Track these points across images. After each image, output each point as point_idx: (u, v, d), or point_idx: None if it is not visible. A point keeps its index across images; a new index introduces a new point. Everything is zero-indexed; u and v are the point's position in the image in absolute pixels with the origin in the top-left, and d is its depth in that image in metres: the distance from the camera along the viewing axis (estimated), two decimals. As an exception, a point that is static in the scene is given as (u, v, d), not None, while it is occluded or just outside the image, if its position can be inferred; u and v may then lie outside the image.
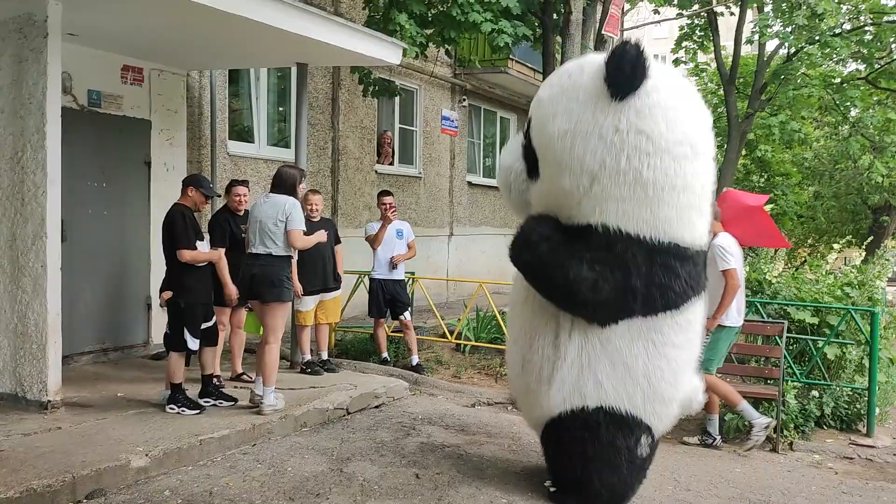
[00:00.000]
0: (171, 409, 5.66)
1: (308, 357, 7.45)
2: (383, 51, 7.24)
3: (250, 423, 5.54)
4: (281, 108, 10.16)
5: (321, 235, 6.25)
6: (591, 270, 4.15)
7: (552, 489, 4.72)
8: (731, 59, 16.21)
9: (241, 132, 9.54)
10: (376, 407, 6.67)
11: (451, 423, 6.31)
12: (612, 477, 4.42)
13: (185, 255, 5.65)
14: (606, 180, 4.07)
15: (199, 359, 5.94)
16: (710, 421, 6.12)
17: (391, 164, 12.22)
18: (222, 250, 6.47)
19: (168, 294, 5.75)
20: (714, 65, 17.26)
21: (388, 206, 7.90)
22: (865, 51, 15.16)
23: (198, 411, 5.66)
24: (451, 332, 8.88)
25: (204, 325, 5.81)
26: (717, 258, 5.77)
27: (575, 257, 4.18)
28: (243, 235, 6.61)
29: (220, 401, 5.96)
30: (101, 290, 7.38)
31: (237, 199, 6.72)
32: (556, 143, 4.18)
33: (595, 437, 4.35)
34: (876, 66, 16.15)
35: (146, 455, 4.74)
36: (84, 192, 7.15)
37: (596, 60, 4.20)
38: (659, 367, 4.30)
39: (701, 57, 17.44)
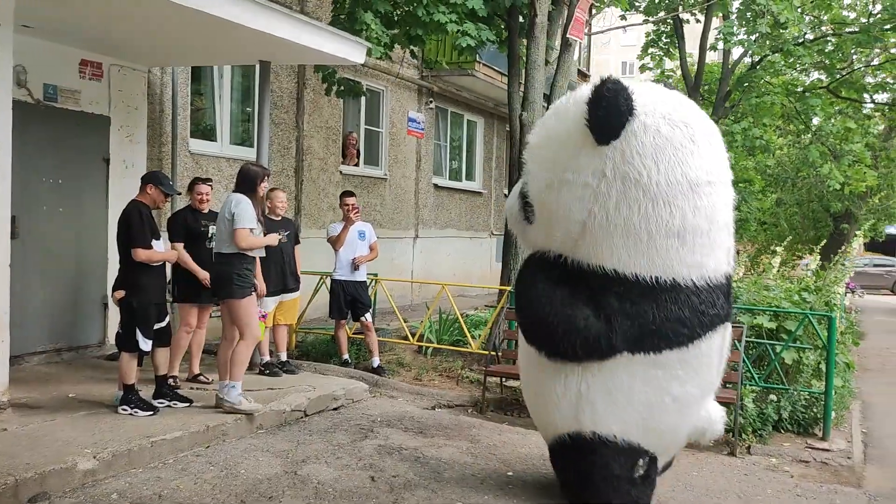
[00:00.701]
0: (123, 410, 5.53)
1: (267, 358, 7.35)
2: (347, 50, 7.18)
3: (204, 424, 5.44)
4: (245, 107, 10.04)
5: (272, 238, 6.13)
6: (576, 316, 4.08)
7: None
8: (696, 66, 16.41)
9: (204, 130, 9.41)
10: (335, 409, 6.60)
11: (409, 426, 6.26)
12: (615, 498, 4.33)
13: (140, 254, 5.53)
14: (597, 230, 3.99)
15: (152, 359, 5.81)
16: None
17: (356, 165, 12.15)
18: (180, 245, 6.42)
19: (120, 293, 5.62)
20: (679, 72, 17.46)
21: (350, 206, 7.84)
22: (827, 60, 15.44)
23: (151, 412, 5.54)
24: (414, 335, 8.83)
25: (157, 326, 5.69)
26: None
27: (561, 302, 4.13)
28: (202, 230, 6.56)
29: (175, 402, 5.84)
30: (55, 288, 7.21)
31: (199, 197, 6.65)
32: (544, 194, 4.15)
33: (590, 460, 4.31)
34: (837, 75, 16.45)
35: (94, 457, 4.62)
36: (38, 188, 6.98)
37: (583, 97, 4.01)
38: (661, 401, 4.19)
39: (667, 64, 17.63)
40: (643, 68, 17.00)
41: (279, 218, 7.31)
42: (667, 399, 4.18)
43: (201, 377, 6.75)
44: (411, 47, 9.75)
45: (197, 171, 8.94)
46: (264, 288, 6.83)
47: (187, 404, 5.84)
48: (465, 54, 9.83)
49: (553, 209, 4.11)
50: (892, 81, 17.18)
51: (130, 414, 5.50)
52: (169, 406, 5.78)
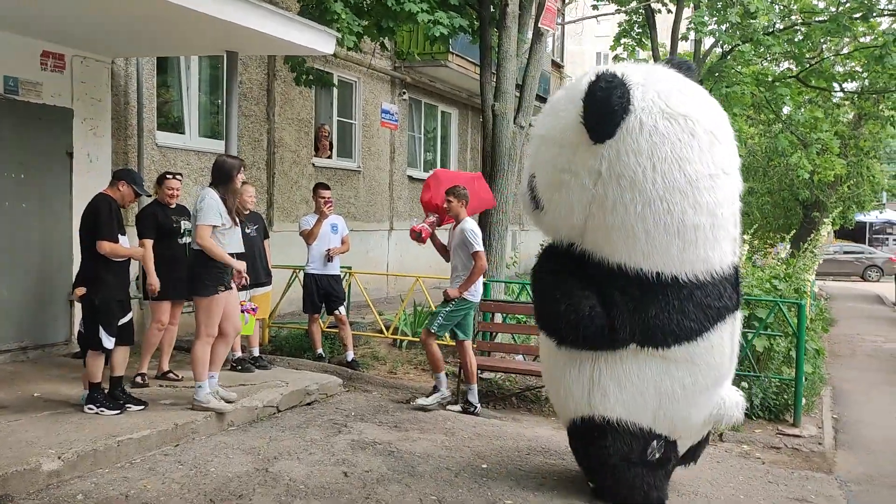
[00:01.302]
0: (89, 409, 5.41)
1: (239, 354, 7.25)
2: (316, 40, 7.07)
3: (172, 422, 5.35)
4: (214, 99, 9.88)
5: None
6: (582, 306, 4.13)
7: (591, 486, 4.72)
8: (668, 56, 16.44)
9: (172, 123, 9.25)
10: (308, 404, 6.53)
11: (384, 420, 6.21)
12: (631, 481, 4.38)
13: (105, 246, 5.38)
14: (597, 229, 4.06)
15: (111, 359, 5.58)
16: (469, 390, 6.71)
17: (329, 157, 12.03)
18: (149, 242, 6.28)
19: (81, 290, 5.47)
20: (652, 61, 17.48)
21: (325, 199, 7.74)
22: (796, 50, 15.53)
23: (118, 411, 5.42)
24: (388, 328, 8.76)
25: (120, 322, 5.53)
26: (469, 241, 6.46)
27: (569, 292, 4.19)
28: (174, 226, 6.44)
29: (129, 405, 5.60)
30: (19, 286, 7.06)
31: (170, 192, 6.50)
32: (547, 192, 4.21)
33: (603, 446, 4.34)
34: (806, 65, 16.58)
35: (59, 458, 4.52)
36: (0, 184, 6.81)
37: (579, 93, 3.95)
38: (672, 390, 4.21)
39: (640, 54, 17.64)
40: (616, 58, 16.98)
41: (248, 212, 7.20)
42: (677, 389, 4.21)
43: (171, 374, 6.65)
44: (382, 39, 9.65)
45: (164, 164, 8.80)
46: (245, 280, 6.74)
47: (142, 407, 5.62)
48: (438, 44, 9.75)
49: (555, 207, 4.18)
50: (860, 70, 17.34)
51: (97, 413, 5.37)
52: (98, 414, 5.43)
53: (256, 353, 7.44)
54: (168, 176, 6.62)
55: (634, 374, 4.21)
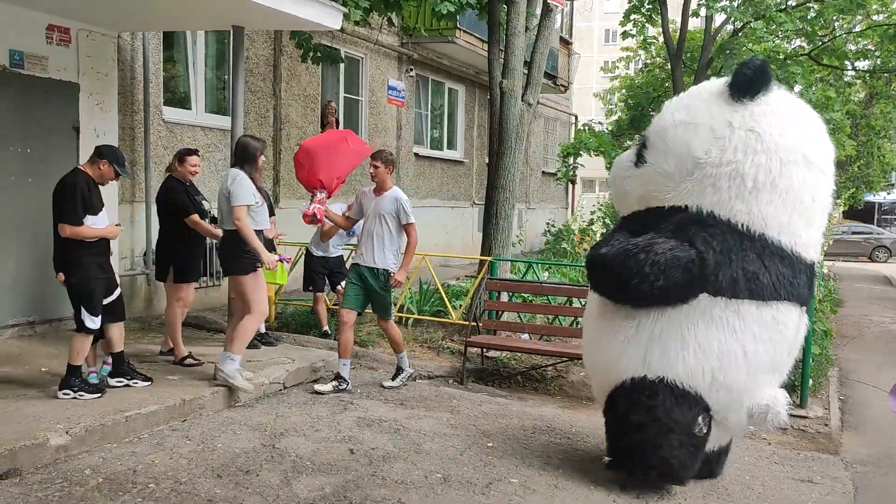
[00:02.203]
0: (64, 394, 5.14)
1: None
2: (323, 14, 7.00)
3: (180, 398, 5.36)
4: (221, 74, 9.82)
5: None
6: (664, 247, 4.15)
7: (606, 460, 4.66)
8: (678, 33, 16.26)
9: (178, 98, 9.20)
10: (314, 381, 6.54)
11: (390, 398, 6.22)
12: (666, 451, 4.28)
13: (66, 230, 5.11)
14: (709, 168, 4.20)
15: (106, 335, 5.45)
16: (402, 358, 6.60)
17: (336, 133, 11.96)
18: (196, 216, 6.24)
19: (61, 277, 5.24)
20: (662, 38, 17.31)
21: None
22: (808, 28, 15.34)
23: (98, 394, 5.20)
24: (394, 305, 8.75)
25: (106, 300, 5.32)
26: (405, 212, 6.26)
27: (649, 243, 4.21)
28: (201, 206, 6.41)
29: (136, 381, 5.56)
30: (26, 260, 7.06)
31: (193, 169, 6.41)
32: (668, 130, 4.40)
33: (652, 407, 4.26)
34: (818, 42, 16.39)
35: (66, 432, 4.54)
36: (6, 157, 6.80)
37: (726, 80, 4.46)
38: (734, 352, 4.19)
39: (649, 31, 17.45)
40: (625, 35, 16.81)
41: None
42: (739, 352, 4.18)
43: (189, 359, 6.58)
44: (389, 14, 9.56)
45: (171, 140, 8.77)
46: (273, 258, 6.72)
47: (148, 383, 5.57)
48: (446, 20, 9.63)
49: (674, 145, 4.34)
50: (873, 48, 17.13)
51: (74, 398, 5.13)
52: (128, 385, 5.52)
53: (263, 329, 7.43)
54: (189, 152, 6.51)
55: (701, 330, 4.19)
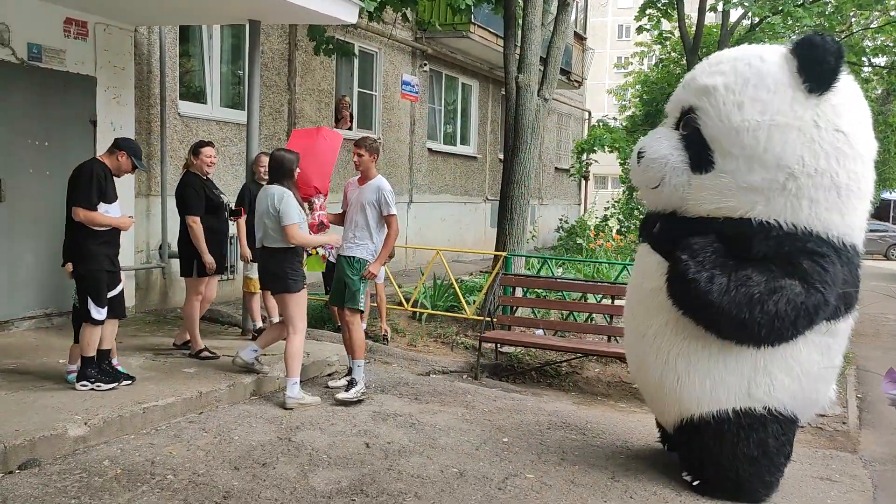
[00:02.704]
0: (82, 386, 5.15)
1: (260, 324, 7.28)
2: (339, 8, 6.99)
3: (197, 390, 5.38)
4: (236, 69, 9.84)
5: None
6: (791, 300, 3.83)
7: (695, 482, 4.39)
8: (694, 28, 16.16)
9: (194, 92, 9.22)
10: (329, 375, 6.55)
11: (404, 392, 6.22)
12: (772, 477, 4.28)
13: (80, 213, 5.09)
14: (804, 179, 3.84)
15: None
16: (357, 368, 5.92)
17: (349, 128, 11.97)
18: (198, 218, 6.21)
19: (69, 267, 5.23)
20: (678, 33, 17.21)
21: None
22: (826, 23, 15.22)
23: (114, 384, 5.22)
24: (408, 300, 8.77)
25: (110, 294, 5.27)
26: (386, 202, 5.87)
27: (772, 285, 3.84)
28: (219, 200, 6.42)
29: (99, 383, 5.28)
30: (44, 252, 7.09)
31: (208, 160, 6.40)
32: (744, 135, 3.89)
33: (763, 440, 4.14)
34: (838, 38, 16.26)
35: (85, 424, 4.56)
36: (24, 150, 6.84)
37: (772, 49, 4.06)
38: (829, 372, 4.16)
39: (665, 25, 17.37)
40: (640, 30, 16.74)
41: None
42: (831, 370, 4.15)
43: (205, 352, 6.58)
44: (404, 9, 9.54)
45: (187, 134, 8.79)
46: (249, 253, 6.82)
47: (130, 382, 5.37)
48: (461, 15, 9.61)
49: (757, 153, 3.87)
50: (891, 45, 16.97)
51: (92, 389, 5.14)
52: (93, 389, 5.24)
53: (276, 321, 7.45)
54: (203, 144, 6.50)
55: (804, 355, 4.02)
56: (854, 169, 3.89)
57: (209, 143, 6.57)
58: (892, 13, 16.95)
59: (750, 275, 3.87)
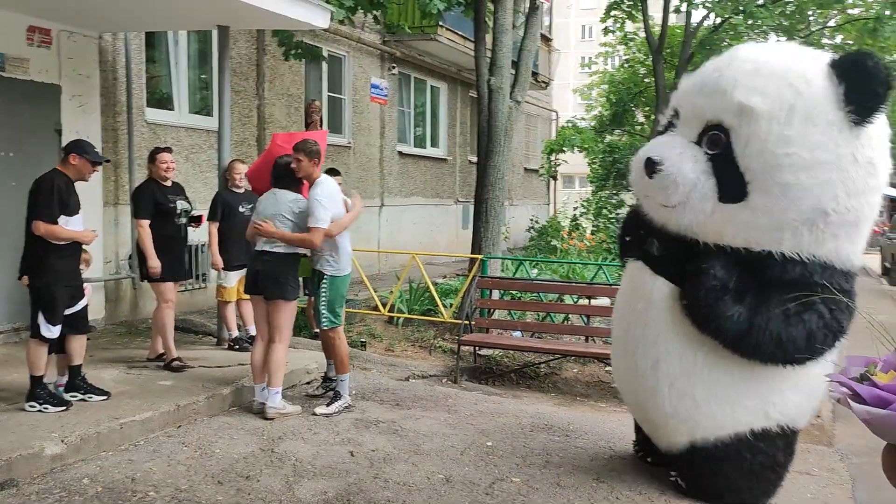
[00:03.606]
0: (31, 406, 4.94)
1: (235, 333, 7.19)
2: (310, 14, 6.93)
3: (174, 403, 5.29)
4: (202, 75, 9.71)
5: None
6: (815, 324, 3.78)
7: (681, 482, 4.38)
8: (659, 28, 16.35)
9: (161, 99, 9.08)
10: (307, 383, 6.49)
11: (385, 398, 6.18)
12: (774, 485, 4.30)
13: (40, 227, 4.90)
14: (834, 216, 3.67)
15: (66, 347, 5.22)
16: (341, 382, 5.78)
17: (320, 133, 11.88)
18: (146, 223, 6.13)
19: (25, 280, 5.06)
20: (642, 34, 17.39)
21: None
22: (787, 23, 15.48)
23: (63, 408, 5.00)
24: (384, 305, 8.73)
25: (68, 311, 5.10)
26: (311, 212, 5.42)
27: (792, 311, 3.75)
28: (171, 205, 6.31)
29: (90, 395, 5.27)
30: (10, 266, 6.83)
31: (164, 166, 6.33)
32: (786, 172, 3.61)
33: (772, 454, 4.13)
34: (797, 38, 16.55)
35: (62, 441, 4.46)
36: (-12, 161, 6.68)
37: (817, 65, 3.69)
38: (823, 384, 3.90)
39: (629, 26, 17.53)
40: (606, 31, 16.88)
41: (241, 190, 7.08)
42: (825, 380, 4.08)
43: (165, 357, 6.54)
44: (374, 13, 9.50)
45: (154, 142, 8.65)
46: (220, 261, 6.76)
47: (105, 397, 5.27)
48: (431, 18, 9.60)
49: (796, 192, 3.63)
50: (851, 43, 17.31)
51: (39, 411, 4.92)
52: (83, 400, 5.21)
53: (253, 331, 7.36)
54: (159, 150, 6.44)
55: (811, 373, 3.97)
56: (874, 201, 3.80)
57: (166, 149, 6.51)
58: (850, 11, 17.30)
59: (778, 297, 3.79)
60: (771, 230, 3.75)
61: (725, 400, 4.06)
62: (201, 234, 7.75)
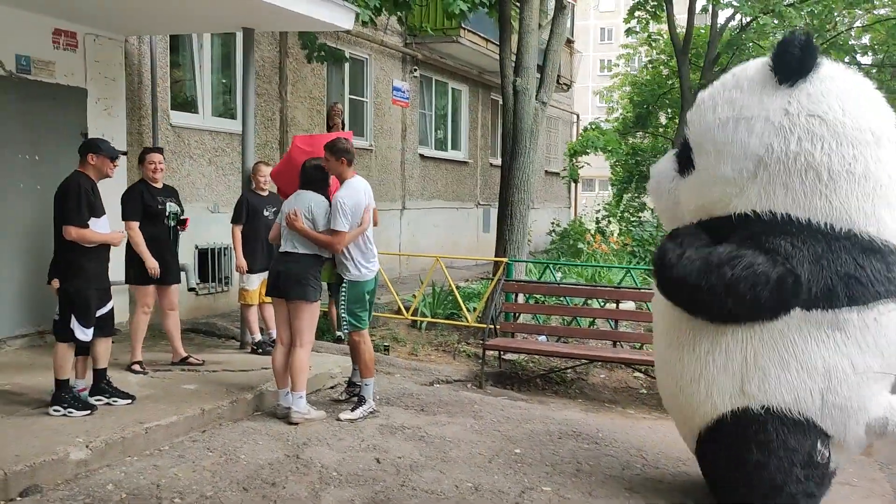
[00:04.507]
0: (55, 411, 4.90)
1: (258, 337, 7.14)
2: (335, 15, 6.88)
3: (199, 407, 5.24)
4: (225, 79, 9.70)
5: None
6: (750, 259, 3.69)
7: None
8: (684, 29, 16.17)
9: (185, 102, 9.07)
10: (331, 387, 6.42)
11: (410, 404, 6.10)
12: (793, 487, 3.81)
13: (72, 232, 4.90)
14: (774, 165, 3.80)
15: (92, 351, 5.21)
16: (365, 386, 5.73)
17: (342, 136, 11.83)
18: (135, 224, 6.06)
19: (56, 283, 5.02)
20: (667, 35, 17.20)
21: None
22: (816, 22, 15.25)
23: (88, 412, 4.96)
24: (407, 309, 8.65)
25: (99, 313, 5.10)
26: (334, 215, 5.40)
27: (734, 254, 3.74)
28: (160, 207, 6.23)
29: (115, 398, 5.24)
30: (35, 269, 6.89)
31: (152, 167, 6.24)
32: (716, 130, 3.97)
33: (765, 442, 3.78)
34: (826, 38, 16.31)
35: (86, 446, 4.41)
36: (13, 165, 6.68)
37: (760, 60, 4.09)
38: (842, 369, 3.73)
39: (653, 27, 17.37)
40: (629, 32, 16.73)
41: (266, 193, 7.04)
42: (847, 366, 3.74)
43: (191, 359, 6.52)
44: (398, 13, 9.45)
45: (179, 145, 8.65)
46: (245, 264, 6.74)
47: (129, 401, 5.25)
48: (454, 20, 9.53)
49: (726, 146, 3.91)
50: (879, 44, 17.04)
51: (64, 415, 4.89)
52: (108, 404, 5.18)
53: (276, 335, 7.31)
54: (148, 151, 6.37)
55: (800, 348, 3.75)
56: (835, 149, 3.73)
57: (156, 150, 6.47)
58: (877, 12, 17.03)
59: (715, 247, 3.86)
60: (716, 185, 3.97)
61: (701, 381, 3.95)
62: (226, 237, 7.71)
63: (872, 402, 3.83)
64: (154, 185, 6.28)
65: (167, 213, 6.28)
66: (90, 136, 5.58)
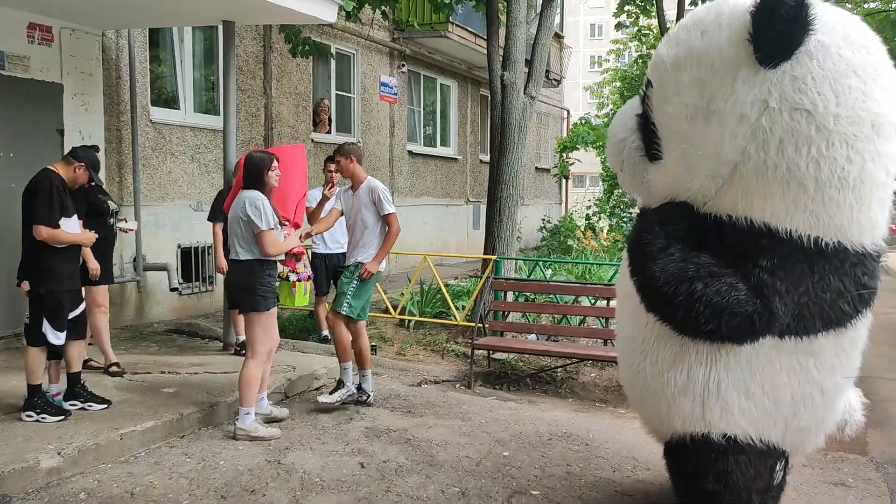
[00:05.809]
0: (27, 416, 4.73)
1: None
2: (316, 7, 6.71)
3: (178, 412, 5.08)
4: (208, 73, 9.52)
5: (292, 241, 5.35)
6: (727, 288, 3.20)
7: None
8: (673, 23, 16.06)
9: (166, 98, 8.89)
10: (316, 389, 6.27)
11: (396, 405, 5.95)
12: None
13: (42, 231, 4.71)
14: (750, 174, 3.18)
15: (65, 355, 5.04)
16: (363, 377, 5.82)
17: (328, 132, 11.68)
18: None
19: (26, 286, 4.83)
20: (657, 29, 17.09)
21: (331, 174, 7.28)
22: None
23: (62, 417, 4.79)
24: (395, 307, 8.51)
25: (71, 315, 4.94)
26: (382, 201, 5.64)
27: (706, 269, 3.25)
28: (104, 206, 5.96)
29: (91, 403, 5.07)
30: (10, 270, 6.69)
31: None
32: (684, 125, 3.32)
33: (723, 471, 3.47)
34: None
35: (58, 454, 4.25)
36: (-13, 162, 6.50)
37: (739, 8, 3.18)
38: (811, 396, 3.40)
39: (643, 21, 17.24)
40: (619, 26, 16.61)
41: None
42: (816, 393, 3.40)
43: (113, 368, 6.11)
44: (383, 8, 9.28)
45: (159, 141, 8.48)
46: (224, 264, 6.45)
47: (105, 406, 5.07)
48: (441, 13, 9.37)
49: (696, 145, 3.29)
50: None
51: (37, 421, 4.72)
52: (83, 409, 5.01)
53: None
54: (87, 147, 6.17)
55: (767, 379, 3.35)
56: (824, 153, 3.08)
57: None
58: (867, 5, 16.97)
59: (699, 254, 3.32)
60: (689, 186, 3.37)
61: (662, 396, 3.56)
62: (208, 236, 7.53)
63: (837, 411, 3.64)
64: (91, 182, 6.01)
65: (111, 211, 6.08)
66: (84, 146, 5.34)
